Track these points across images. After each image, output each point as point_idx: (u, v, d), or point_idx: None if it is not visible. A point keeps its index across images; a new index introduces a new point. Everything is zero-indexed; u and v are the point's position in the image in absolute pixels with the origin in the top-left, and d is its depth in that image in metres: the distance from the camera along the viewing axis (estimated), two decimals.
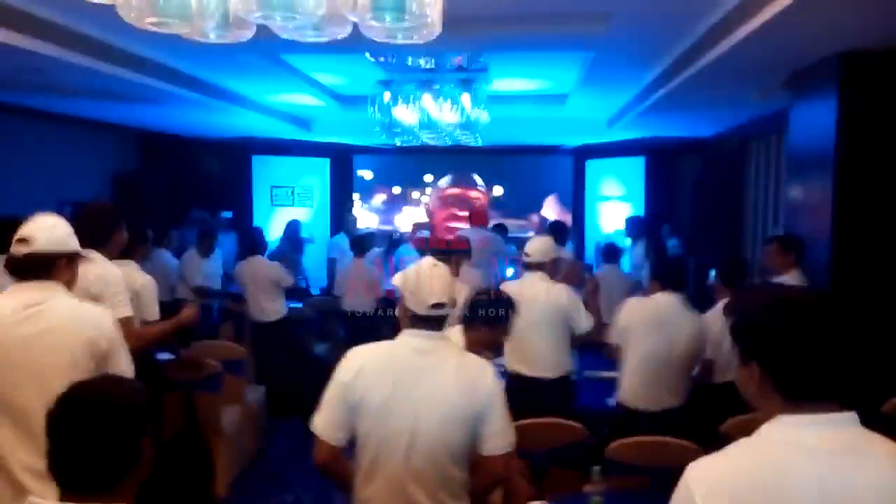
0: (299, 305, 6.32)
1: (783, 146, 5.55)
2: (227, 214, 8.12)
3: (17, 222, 4.06)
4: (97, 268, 2.79)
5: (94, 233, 2.88)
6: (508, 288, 3.67)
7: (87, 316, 2.23)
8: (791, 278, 3.88)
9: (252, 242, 5.98)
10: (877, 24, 3.17)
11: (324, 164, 9.78)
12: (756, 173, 6.53)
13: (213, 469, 3.99)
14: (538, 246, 3.93)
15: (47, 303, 2.17)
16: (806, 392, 1.21)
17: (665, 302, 3.46)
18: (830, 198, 3.71)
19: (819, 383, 1.21)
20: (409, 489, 2.05)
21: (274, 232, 8.26)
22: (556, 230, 6.13)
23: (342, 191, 9.92)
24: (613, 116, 7.05)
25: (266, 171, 9.34)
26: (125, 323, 2.63)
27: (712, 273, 4.04)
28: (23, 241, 2.18)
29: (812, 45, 3.57)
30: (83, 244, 2.39)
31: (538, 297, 3.68)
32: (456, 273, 4.19)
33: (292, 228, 7.77)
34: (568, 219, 9.23)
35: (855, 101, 3.64)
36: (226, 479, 4.27)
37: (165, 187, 7.56)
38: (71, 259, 2.29)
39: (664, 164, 8.88)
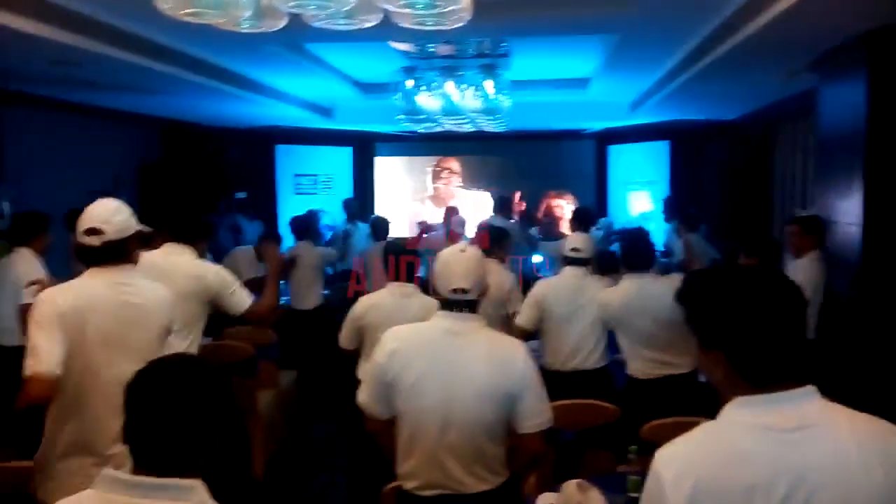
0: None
1: (811, 128, 5.46)
2: (242, 195, 8.07)
3: (38, 216, 4.17)
4: (207, 265, 3.16)
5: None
6: (554, 284, 3.78)
7: (166, 297, 2.42)
8: (810, 260, 3.90)
9: (304, 226, 5.99)
10: None
11: (346, 153, 9.82)
12: (784, 156, 6.44)
13: (250, 451, 4.07)
14: (586, 242, 3.94)
15: (134, 282, 2.32)
16: (771, 374, 1.22)
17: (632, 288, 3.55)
18: (861, 179, 3.65)
19: (783, 364, 1.22)
20: (446, 463, 2.11)
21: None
22: (583, 218, 5.98)
23: (365, 178, 9.95)
24: (637, 100, 6.98)
25: (289, 160, 9.40)
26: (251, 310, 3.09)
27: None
28: (94, 231, 2.27)
29: (839, 25, 3.50)
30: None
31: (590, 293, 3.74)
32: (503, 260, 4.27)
33: (314, 217, 7.76)
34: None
35: (884, 81, 3.57)
36: (262, 461, 4.36)
37: (189, 177, 7.63)
38: (136, 239, 2.39)
39: (690, 147, 8.77)
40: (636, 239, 3.78)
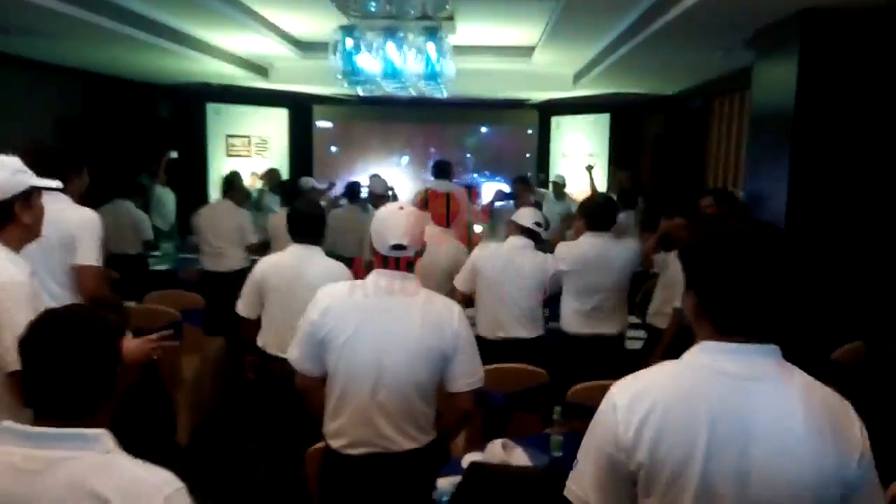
0: None
1: (746, 104, 5.58)
2: (173, 155, 7.63)
3: None
4: (76, 212, 2.73)
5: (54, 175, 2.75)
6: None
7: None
8: None
9: (227, 184, 5.75)
10: None
11: (282, 115, 9.54)
12: (720, 132, 6.58)
13: (174, 418, 3.95)
14: (536, 215, 3.97)
15: None
16: (735, 325, 1.25)
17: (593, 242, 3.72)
18: (788, 154, 3.75)
19: (748, 317, 1.25)
20: (376, 421, 2.10)
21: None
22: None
23: (302, 142, 9.70)
24: (579, 72, 6.99)
25: (221, 120, 9.06)
26: (91, 272, 2.65)
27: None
28: None
29: (774, 3, 3.56)
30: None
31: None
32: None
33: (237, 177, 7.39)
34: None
35: (815, 59, 3.66)
36: (187, 428, 4.24)
37: (112, 133, 7.25)
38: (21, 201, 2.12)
39: (629, 122, 8.89)
40: (602, 202, 3.96)
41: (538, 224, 3.86)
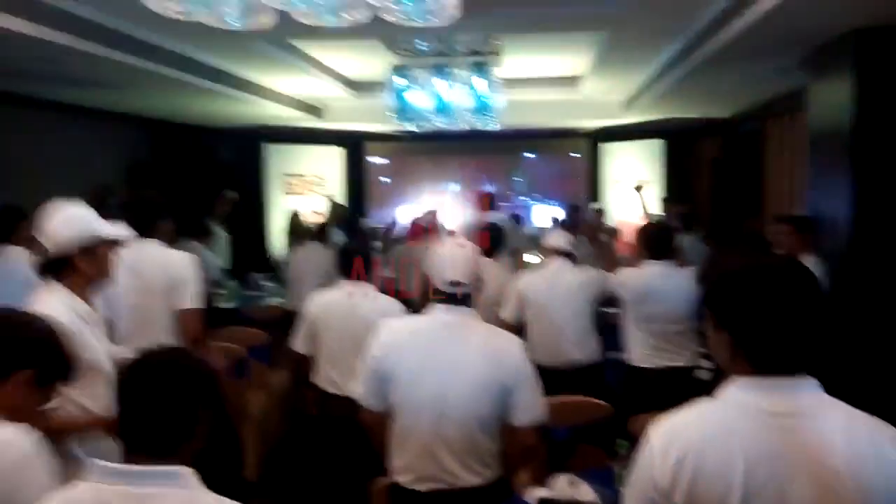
0: None
1: (801, 124, 5.48)
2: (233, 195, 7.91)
3: (12, 208, 3.97)
4: (178, 256, 2.89)
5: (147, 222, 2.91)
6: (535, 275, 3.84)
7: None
8: (807, 262, 3.80)
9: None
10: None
11: (337, 153, 9.78)
12: (774, 154, 6.46)
13: (242, 453, 4.04)
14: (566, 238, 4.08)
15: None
16: (773, 362, 1.23)
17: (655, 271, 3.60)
18: (850, 176, 3.66)
19: (786, 353, 1.23)
20: (440, 456, 2.12)
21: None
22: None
23: (356, 177, 9.92)
24: (629, 98, 6.99)
25: (278, 160, 9.35)
26: (195, 315, 2.80)
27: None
28: (38, 242, 2.18)
29: (828, 23, 3.52)
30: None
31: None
32: None
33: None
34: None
35: (871, 78, 3.59)
36: (255, 462, 4.32)
37: (177, 177, 7.56)
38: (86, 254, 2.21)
39: (683, 146, 8.78)
40: (658, 228, 3.92)
41: (571, 244, 3.95)
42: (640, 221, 4.92)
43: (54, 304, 2.09)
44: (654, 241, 3.69)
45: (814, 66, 4.19)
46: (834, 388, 1.27)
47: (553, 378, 3.50)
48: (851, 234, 3.67)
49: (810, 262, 3.79)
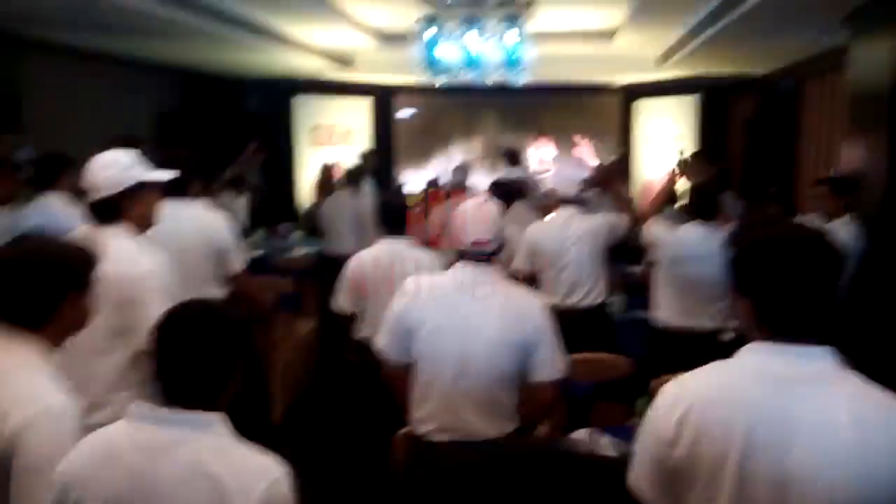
0: None
1: (840, 85, 5.30)
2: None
3: (58, 157, 4.06)
4: (215, 219, 3.08)
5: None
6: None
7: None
8: (843, 224, 3.75)
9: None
10: None
11: (365, 104, 9.71)
12: (811, 113, 6.27)
13: (269, 398, 4.16)
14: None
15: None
16: (794, 328, 1.24)
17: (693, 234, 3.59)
18: (886, 138, 3.56)
19: (807, 319, 1.24)
20: (459, 410, 2.17)
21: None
22: None
23: (384, 130, 9.86)
24: (664, 53, 6.80)
25: (306, 112, 9.32)
26: (242, 276, 3.10)
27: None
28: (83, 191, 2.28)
29: None
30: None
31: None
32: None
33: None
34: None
35: None
36: (280, 408, 4.45)
37: (207, 127, 7.59)
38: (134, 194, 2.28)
39: (717, 103, 8.55)
40: (704, 189, 3.84)
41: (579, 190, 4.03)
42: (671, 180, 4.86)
43: (139, 256, 2.18)
44: (699, 203, 3.67)
45: (857, 24, 4.03)
46: (865, 355, 1.27)
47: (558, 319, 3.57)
48: (884, 195, 3.58)
49: (846, 225, 3.72)
